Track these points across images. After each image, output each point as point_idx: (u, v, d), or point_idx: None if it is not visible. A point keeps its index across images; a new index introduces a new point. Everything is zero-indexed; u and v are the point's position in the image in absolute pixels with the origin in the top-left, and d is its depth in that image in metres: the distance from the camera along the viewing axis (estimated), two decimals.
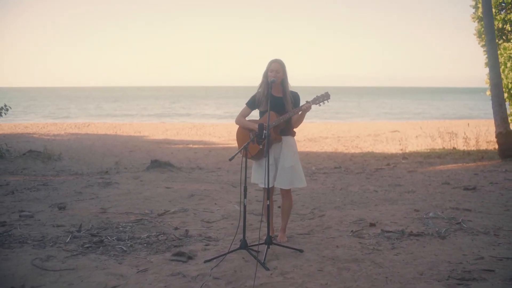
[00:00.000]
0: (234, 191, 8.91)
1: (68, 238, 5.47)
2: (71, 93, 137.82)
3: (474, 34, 16.73)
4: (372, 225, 6.13)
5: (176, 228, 6.09)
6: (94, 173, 11.33)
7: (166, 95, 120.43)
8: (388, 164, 12.93)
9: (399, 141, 19.36)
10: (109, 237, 5.54)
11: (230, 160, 4.84)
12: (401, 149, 16.82)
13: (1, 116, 14.74)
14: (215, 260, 4.78)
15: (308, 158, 14.72)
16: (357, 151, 17.20)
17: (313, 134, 23.96)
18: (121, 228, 6.01)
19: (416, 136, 21.71)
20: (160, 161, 11.49)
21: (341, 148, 18.22)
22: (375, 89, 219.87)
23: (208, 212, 7.13)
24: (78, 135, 23.86)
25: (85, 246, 5.23)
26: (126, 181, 9.75)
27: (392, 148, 17.74)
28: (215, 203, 7.80)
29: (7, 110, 14.82)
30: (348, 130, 27.42)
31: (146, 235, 5.72)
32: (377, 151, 17.00)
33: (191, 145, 19.68)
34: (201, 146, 19.52)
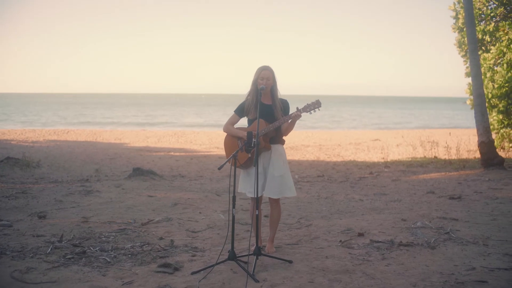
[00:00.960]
0: (219, 200, 8.77)
1: (49, 249, 5.26)
2: (50, 99, 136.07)
3: (455, 44, 16.89)
4: (360, 235, 6.04)
5: (161, 238, 5.93)
6: (75, 181, 11.09)
7: (148, 102, 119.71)
8: (371, 173, 12.91)
9: (381, 149, 19.41)
10: (91, 248, 5.35)
11: (219, 169, 4.73)
12: (383, 158, 16.85)
13: None
14: (202, 271, 4.63)
15: (291, 167, 14.58)
16: (339, 159, 17.19)
17: (294, 142, 23.93)
18: (104, 238, 5.83)
19: (397, 145, 21.83)
20: (142, 169, 11.29)
21: (323, 157, 18.19)
22: (354, 98, 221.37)
23: (193, 221, 6.98)
24: (57, 142, 23.46)
25: (67, 257, 5.03)
26: (108, 189, 9.54)
27: (374, 156, 17.77)
28: (200, 212, 7.65)
29: None
30: (329, 138, 27.48)
31: (130, 245, 5.55)
32: (359, 159, 17.00)
33: (172, 153, 19.48)
34: (182, 153, 19.33)
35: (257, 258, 4.78)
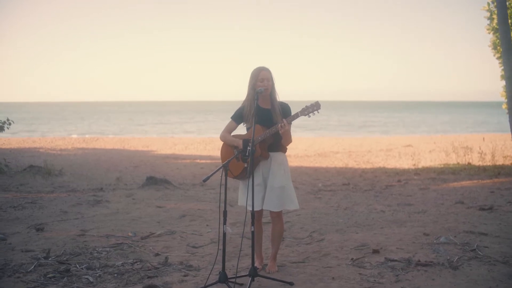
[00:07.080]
0: (230, 211, 8.23)
1: (32, 266, 4.89)
2: (81, 108, 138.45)
3: (489, 46, 16.08)
4: (375, 251, 5.48)
5: (156, 254, 5.50)
6: (89, 190, 10.80)
7: (174, 110, 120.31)
8: (399, 181, 12.25)
9: (412, 156, 18.63)
10: (78, 265, 4.95)
11: (204, 181, 4.27)
12: (414, 165, 16.10)
13: (3, 130, 14.42)
14: None
15: (317, 174, 14.08)
16: (368, 166, 16.51)
17: (323, 149, 23.30)
18: (95, 254, 5.43)
19: (430, 151, 20.96)
20: (156, 178, 10.93)
21: (351, 164, 17.53)
22: (386, 103, 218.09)
23: (197, 235, 6.53)
24: (85, 150, 23.42)
25: (48, 276, 4.64)
26: (118, 199, 9.19)
27: (405, 163, 17.02)
28: (207, 225, 7.20)
29: (9, 124, 14.50)
30: (360, 144, 26.69)
31: (121, 263, 5.13)
32: (389, 166, 16.29)
33: (198, 160, 19.12)
34: (208, 161, 18.93)
35: (252, 280, 4.29)
